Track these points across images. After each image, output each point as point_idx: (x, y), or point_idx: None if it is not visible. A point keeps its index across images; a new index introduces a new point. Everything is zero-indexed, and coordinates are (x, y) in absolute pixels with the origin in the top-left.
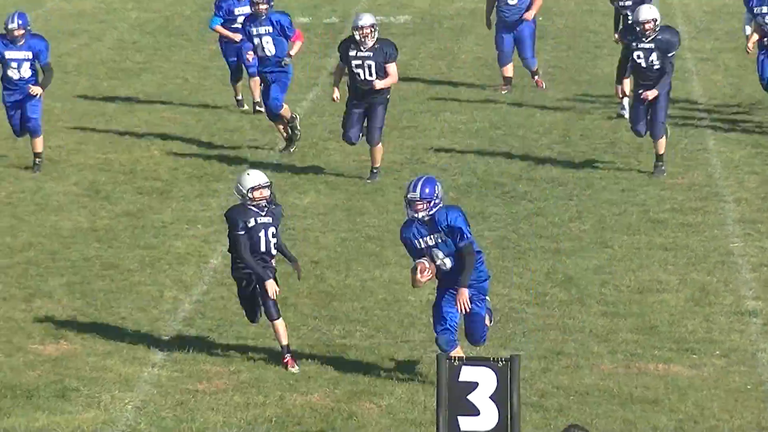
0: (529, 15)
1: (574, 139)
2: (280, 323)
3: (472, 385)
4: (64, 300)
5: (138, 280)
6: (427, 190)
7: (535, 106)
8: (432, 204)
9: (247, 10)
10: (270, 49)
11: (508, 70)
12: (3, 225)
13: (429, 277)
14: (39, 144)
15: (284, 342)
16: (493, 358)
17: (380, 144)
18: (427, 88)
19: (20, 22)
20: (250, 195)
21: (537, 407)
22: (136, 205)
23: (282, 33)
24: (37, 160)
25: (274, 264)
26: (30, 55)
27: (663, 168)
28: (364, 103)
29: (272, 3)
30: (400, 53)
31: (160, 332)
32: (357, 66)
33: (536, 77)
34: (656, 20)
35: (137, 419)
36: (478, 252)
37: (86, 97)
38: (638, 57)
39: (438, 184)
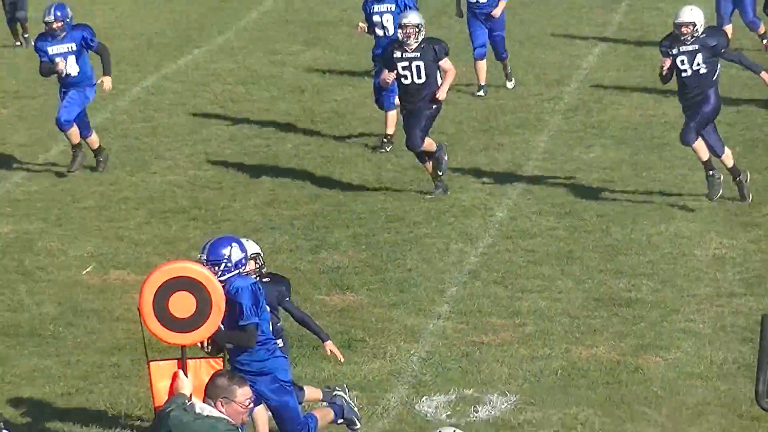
0: None
1: None
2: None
3: None
4: (350, 251)
5: (424, 233)
6: (222, 251)
7: None
8: (223, 268)
9: (380, 8)
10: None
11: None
12: (289, 177)
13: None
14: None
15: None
16: None
17: (428, 140)
18: None
19: (58, 14)
20: None
21: None
22: None
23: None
24: (99, 157)
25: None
26: (74, 46)
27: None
28: (411, 108)
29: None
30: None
31: (446, 284)
32: (404, 68)
33: (765, 41)
34: (695, 24)
35: (423, 370)
36: (269, 339)
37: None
38: (681, 63)
39: (236, 246)
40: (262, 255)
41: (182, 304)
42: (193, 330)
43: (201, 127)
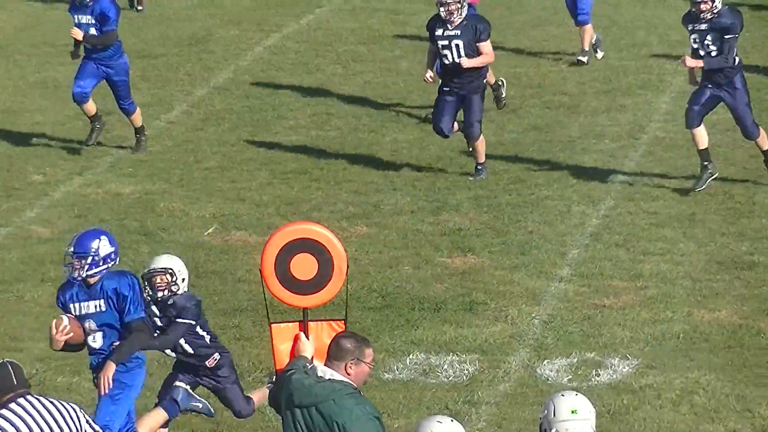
0: None
1: None
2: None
3: None
4: (471, 213)
5: (545, 195)
6: (90, 244)
7: None
8: (90, 262)
9: None
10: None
11: None
12: (411, 138)
13: (68, 336)
14: (137, 120)
15: None
16: None
17: (481, 138)
18: None
19: None
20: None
21: None
22: (543, 120)
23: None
24: (140, 136)
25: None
26: (93, 20)
27: None
28: (456, 91)
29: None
30: None
31: (567, 246)
32: (444, 47)
33: None
34: (713, 0)
35: (544, 333)
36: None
37: (492, 9)
38: (694, 41)
39: (104, 238)
40: (174, 272)
41: (304, 266)
42: (315, 292)
43: (323, 87)
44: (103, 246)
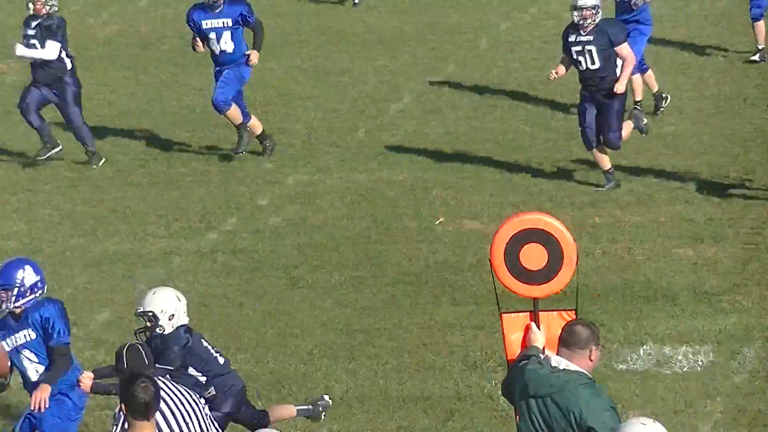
0: None
1: None
2: None
3: None
4: (701, 203)
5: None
6: (15, 275)
7: None
8: (17, 294)
9: None
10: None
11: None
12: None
13: None
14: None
15: None
16: None
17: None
18: None
19: None
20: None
21: None
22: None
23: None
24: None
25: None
26: (229, 21)
27: None
28: (597, 98)
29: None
30: None
31: None
32: (577, 53)
33: None
34: None
35: None
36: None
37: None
38: None
39: (29, 268)
40: (155, 314)
41: (534, 256)
42: (545, 282)
43: (560, 78)
44: (28, 276)
